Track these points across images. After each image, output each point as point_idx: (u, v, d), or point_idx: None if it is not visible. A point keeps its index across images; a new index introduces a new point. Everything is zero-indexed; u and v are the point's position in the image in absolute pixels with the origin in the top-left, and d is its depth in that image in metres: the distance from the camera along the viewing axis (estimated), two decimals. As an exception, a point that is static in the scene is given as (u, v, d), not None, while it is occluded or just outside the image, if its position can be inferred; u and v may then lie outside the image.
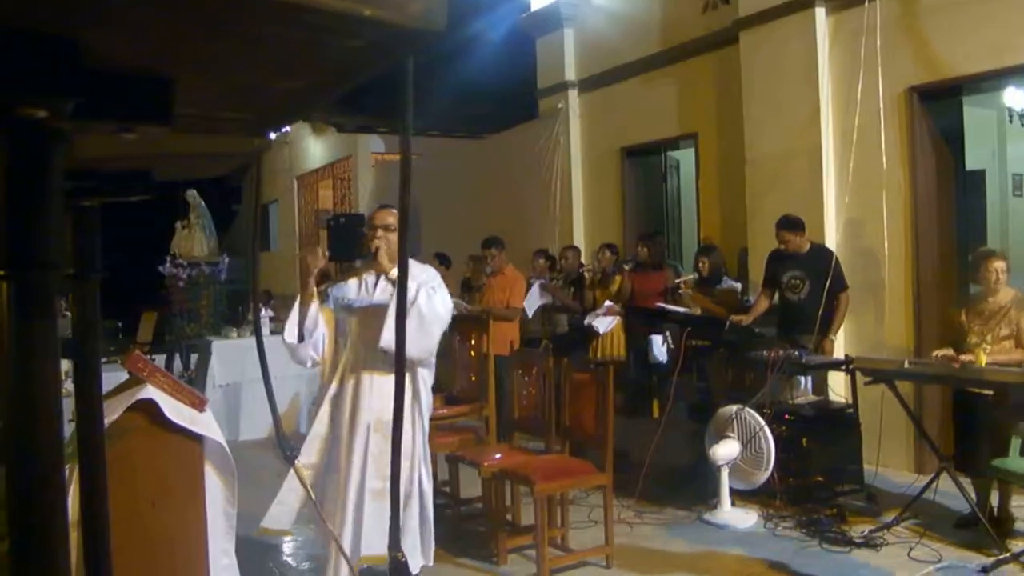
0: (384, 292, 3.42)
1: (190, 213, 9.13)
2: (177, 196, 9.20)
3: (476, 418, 5.13)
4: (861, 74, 5.78)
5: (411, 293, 3.27)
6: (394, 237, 3.36)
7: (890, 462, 5.52)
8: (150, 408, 2.48)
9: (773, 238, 5.65)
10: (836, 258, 5.56)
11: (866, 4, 5.75)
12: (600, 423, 4.20)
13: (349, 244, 3.44)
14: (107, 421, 1.78)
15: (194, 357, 8.13)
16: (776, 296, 5.78)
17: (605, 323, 6.75)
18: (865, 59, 5.75)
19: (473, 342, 5.20)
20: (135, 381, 2.60)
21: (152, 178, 1.01)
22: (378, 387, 3.35)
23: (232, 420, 7.37)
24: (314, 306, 3.36)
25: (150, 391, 2.50)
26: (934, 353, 4.59)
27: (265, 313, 8.08)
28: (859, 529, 4.51)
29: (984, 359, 4.27)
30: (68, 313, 0.98)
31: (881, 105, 5.73)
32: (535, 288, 7.12)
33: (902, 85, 5.72)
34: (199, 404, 2.65)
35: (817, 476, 4.94)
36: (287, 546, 4.58)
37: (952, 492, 4.48)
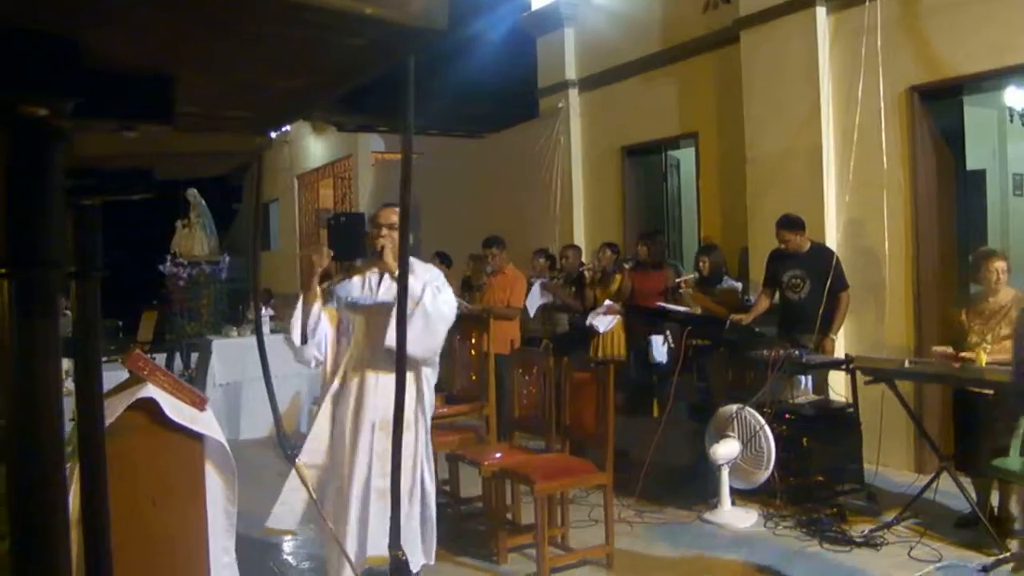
0: (389, 291, 3.42)
1: (191, 212, 9.11)
2: (178, 195, 9.19)
3: (476, 417, 5.12)
4: (862, 73, 5.78)
5: (417, 291, 3.28)
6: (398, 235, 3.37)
7: (890, 461, 5.52)
8: (150, 407, 2.49)
9: (773, 237, 5.64)
10: (836, 257, 5.56)
11: (867, 3, 5.75)
12: (600, 422, 4.20)
13: (350, 243, 3.43)
14: (108, 420, 1.77)
15: (194, 356, 8.13)
16: (776, 295, 5.77)
17: (605, 322, 6.75)
18: (866, 58, 5.75)
19: (473, 341, 5.20)
20: (136, 380, 2.60)
21: (153, 177, 1.01)
22: (383, 386, 3.34)
23: (232, 419, 7.37)
24: (317, 306, 3.36)
25: (151, 390, 2.50)
26: (934, 348, 4.59)
27: (265, 312, 8.09)
28: (859, 529, 4.51)
29: (984, 359, 4.27)
30: (69, 312, 0.98)
31: (882, 104, 5.72)
32: (536, 287, 7.12)
33: (903, 84, 5.72)
34: (199, 403, 2.66)
35: (817, 475, 4.93)
36: (287, 545, 4.58)
37: (952, 492, 4.48)
